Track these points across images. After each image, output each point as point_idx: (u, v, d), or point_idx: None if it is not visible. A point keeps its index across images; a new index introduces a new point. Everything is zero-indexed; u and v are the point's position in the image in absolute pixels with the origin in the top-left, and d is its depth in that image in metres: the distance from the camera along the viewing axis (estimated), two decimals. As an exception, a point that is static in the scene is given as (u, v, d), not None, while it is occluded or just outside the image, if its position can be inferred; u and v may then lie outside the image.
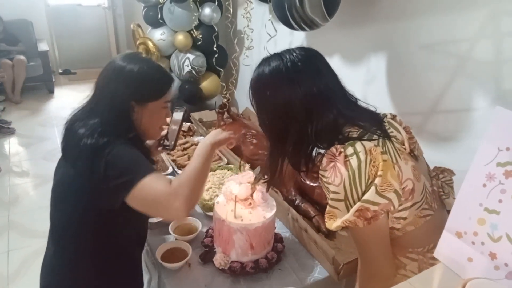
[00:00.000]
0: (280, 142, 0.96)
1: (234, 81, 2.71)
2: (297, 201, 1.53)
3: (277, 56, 0.95)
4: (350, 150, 0.86)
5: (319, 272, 1.31)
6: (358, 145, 0.86)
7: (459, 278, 0.73)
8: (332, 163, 0.87)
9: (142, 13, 2.76)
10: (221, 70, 2.77)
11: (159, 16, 2.61)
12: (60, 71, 5.50)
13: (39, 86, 4.84)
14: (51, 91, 4.89)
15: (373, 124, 0.93)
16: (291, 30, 1.80)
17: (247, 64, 2.69)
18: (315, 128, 0.91)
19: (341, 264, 1.23)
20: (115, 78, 1.06)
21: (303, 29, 1.67)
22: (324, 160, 0.89)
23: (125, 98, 1.05)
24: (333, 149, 0.87)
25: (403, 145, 0.96)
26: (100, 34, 5.57)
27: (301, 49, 0.95)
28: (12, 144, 3.62)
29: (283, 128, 0.94)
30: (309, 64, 0.93)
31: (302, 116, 0.90)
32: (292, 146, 0.94)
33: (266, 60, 0.97)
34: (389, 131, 0.95)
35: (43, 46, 4.83)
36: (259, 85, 0.97)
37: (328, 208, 0.90)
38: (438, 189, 1.03)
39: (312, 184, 1.53)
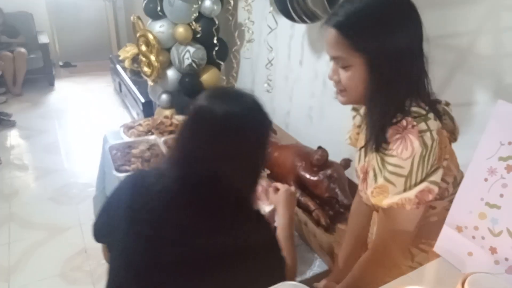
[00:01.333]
0: (388, 90, 0.82)
1: (234, 74, 2.70)
2: (297, 195, 1.53)
3: None
4: (423, 125, 0.78)
5: (319, 266, 1.31)
6: (431, 123, 0.79)
7: (459, 272, 0.73)
8: (400, 135, 0.79)
9: (142, 5, 2.74)
10: (222, 63, 2.75)
11: (159, 8, 2.59)
12: (61, 63, 5.48)
13: (40, 79, 4.82)
14: (52, 84, 4.87)
15: (432, 103, 0.87)
16: (292, 23, 1.79)
17: (248, 57, 2.67)
18: (415, 82, 0.82)
19: (341, 258, 1.23)
20: (249, 142, 0.82)
21: (304, 22, 1.66)
22: (389, 131, 0.81)
23: (261, 166, 0.90)
24: (403, 121, 0.79)
25: (454, 134, 0.91)
26: (100, 27, 5.54)
27: None
28: (12, 137, 3.62)
29: (396, 72, 0.81)
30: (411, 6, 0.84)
31: (415, 64, 0.82)
32: (401, 90, 0.82)
33: None
34: (443, 117, 0.89)
35: (43, 39, 4.80)
36: (379, 20, 0.80)
37: (381, 181, 0.82)
38: None
39: (312, 178, 1.52)
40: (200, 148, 0.80)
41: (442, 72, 1.40)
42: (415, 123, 0.79)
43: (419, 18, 0.82)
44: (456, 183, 0.83)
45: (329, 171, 1.50)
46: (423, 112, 0.81)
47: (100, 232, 0.94)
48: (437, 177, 0.79)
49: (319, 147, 1.53)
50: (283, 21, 1.83)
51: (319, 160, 1.51)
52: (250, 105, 0.83)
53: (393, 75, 0.81)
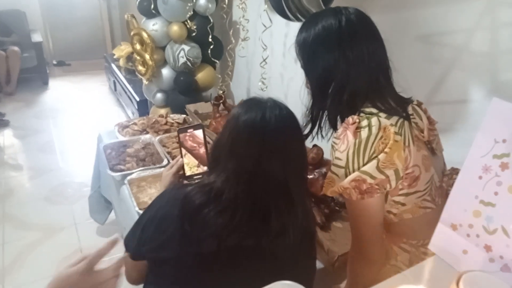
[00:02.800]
0: (322, 94, 0.95)
1: (230, 73, 2.69)
2: (293, 193, 1.53)
3: (331, 11, 0.93)
4: (365, 122, 0.86)
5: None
6: (374, 120, 0.87)
7: (453, 271, 0.73)
8: (345, 132, 0.88)
9: (136, 3, 2.72)
10: (217, 61, 2.74)
11: (153, 6, 2.57)
12: (55, 62, 5.43)
13: (33, 78, 4.78)
14: (46, 83, 4.83)
15: (398, 104, 0.93)
16: (286, 21, 1.78)
17: (243, 56, 2.66)
18: (353, 85, 0.90)
19: (336, 256, 1.23)
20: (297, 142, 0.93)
21: (299, 20, 1.65)
22: (340, 129, 0.90)
23: (306, 165, 1.06)
24: (349, 118, 0.88)
25: (422, 133, 0.96)
26: (94, 25, 5.50)
27: (354, 8, 0.94)
28: (6, 136, 3.59)
29: (327, 81, 0.93)
30: (363, 24, 0.92)
31: (346, 73, 0.89)
32: (331, 98, 0.93)
33: (317, 15, 0.95)
34: (411, 116, 0.95)
35: (36, 37, 4.75)
36: (310, 40, 0.93)
37: (328, 174, 0.93)
38: (448, 187, 1.02)
39: (307, 176, 1.52)
40: (261, 156, 0.84)
41: (437, 69, 1.40)
42: (357, 120, 0.87)
43: (358, 40, 0.90)
44: (399, 177, 0.87)
45: (324, 169, 1.49)
46: (375, 111, 0.89)
47: (149, 246, 0.90)
48: (369, 167, 0.85)
49: (314, 145, 1.53)
50: (278, 19, 1.82)
51: (314, 158, 1.51)
52: (288, 109, 0.92)
53: (319, 90, 0.95)
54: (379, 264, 0.94)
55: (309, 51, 0.94)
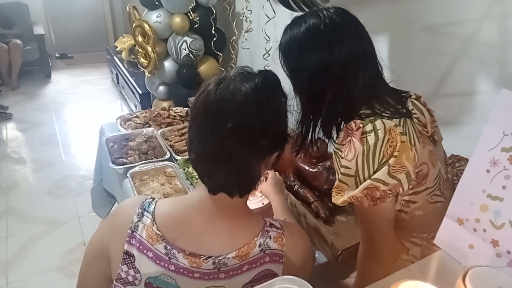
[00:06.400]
0: (314, 106, 0.91)
1: (233, 65, 2.66)
2: (296, 187, 1.52)
3: (313, 13, 0.88)
4: (369, 126, 0.83)
5: (318, 258, 1.31)
6: (378, 123, 0.83)
7: (460, 266, 0.72)
8: (349, 138, 0.84)
9: (138, -5, 2.70)
10: (220, 54, 2.72)
11: (155, -2, 2.55)
12: (57, 55, 5.41)
13: (36, 71, 4.77)
14: (48, 76, 4.82)
15: (397, 101, 0.90)
16: (290, 12, 1.76)
17: (246, 48, 2.64)
18: (348, 94, 0.86)
19: (340, 250, 1.22)
20: None
21: (302, 10, 1.63)
22: (342, 134, 0.87)
23: None
24: (352, 123, 0.85)
25: (425, 128, 0.93)
26: (96, 17, 5.47)
27: (337, 8, 0.89)
28: (9, 130, 3.59)
29: (318, 91, 0.88)
30: (349, 23, 0.87)
31: (338, 79, 0.85)
32: (325, 110, 0.88)
33: (299, 19, 0.90)
34: (412, 112, 0.92)
35: (38, 30, 4.74)
36: (294, 46, 0.89)
37: (337, 182, 0.89)
38: (453, 177, 1.01)
39: (311, 169, 1.51)
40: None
41: (445, 60, 1.38)
42: (361, 125, 0.83)
43: (345, 40, 0.85)
44: (411, 179, 0.84)
45: (328, 163, 1.48)
46: (377, 111, 0.86)
47: None
48: (380, 174, 0.82)
49: (318, 138, 1.51)
50: (282, 10, 1.80)
51: (318, 152, 1.49)
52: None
53: (311, 99, 0.91)
54: (390, 262, 0.92)
55: (297, 56, 0.89)
